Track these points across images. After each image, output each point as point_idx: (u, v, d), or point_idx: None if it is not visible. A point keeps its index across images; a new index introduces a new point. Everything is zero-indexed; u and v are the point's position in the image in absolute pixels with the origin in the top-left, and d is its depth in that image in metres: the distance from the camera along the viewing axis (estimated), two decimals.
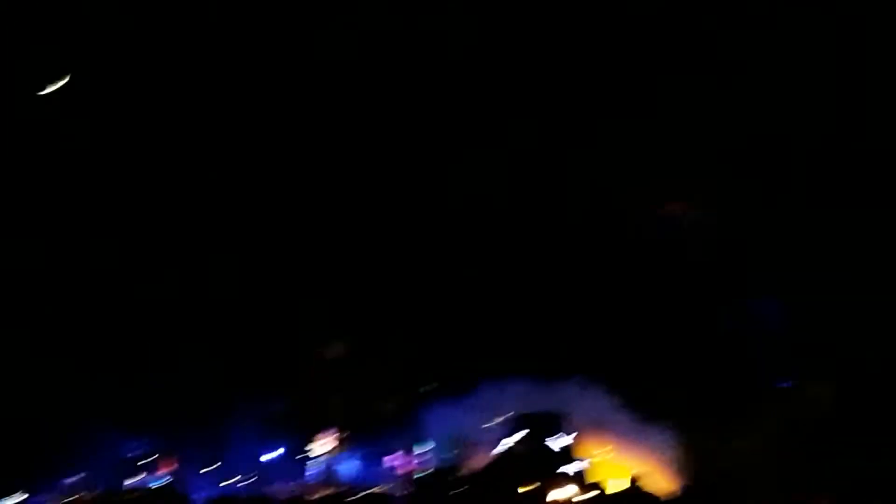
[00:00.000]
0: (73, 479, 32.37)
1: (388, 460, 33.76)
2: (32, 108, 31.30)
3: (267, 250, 33.31)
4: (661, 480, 32.59)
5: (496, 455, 32.76)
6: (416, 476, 32.88)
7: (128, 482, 32.67)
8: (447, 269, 33.62)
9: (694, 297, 32.45)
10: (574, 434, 33.36)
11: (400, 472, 33.58)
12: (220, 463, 33.54)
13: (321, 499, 31.70)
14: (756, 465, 30.44)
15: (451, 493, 31.36)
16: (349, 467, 33.99)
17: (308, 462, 33.71)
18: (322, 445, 33.85)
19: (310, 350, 33.88)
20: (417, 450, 33.38)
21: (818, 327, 31.14)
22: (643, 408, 34.68)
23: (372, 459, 34.23)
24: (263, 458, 33.86)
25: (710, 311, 32.36)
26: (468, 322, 33.89)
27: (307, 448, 33.88)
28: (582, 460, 32.69)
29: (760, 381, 32.23)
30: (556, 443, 33.13)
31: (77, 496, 31.94)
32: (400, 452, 33.92)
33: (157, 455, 33.16)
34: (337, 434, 33.92)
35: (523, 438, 32.99)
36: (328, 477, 33.24)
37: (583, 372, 34.08)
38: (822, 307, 30.84)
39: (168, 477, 32.77)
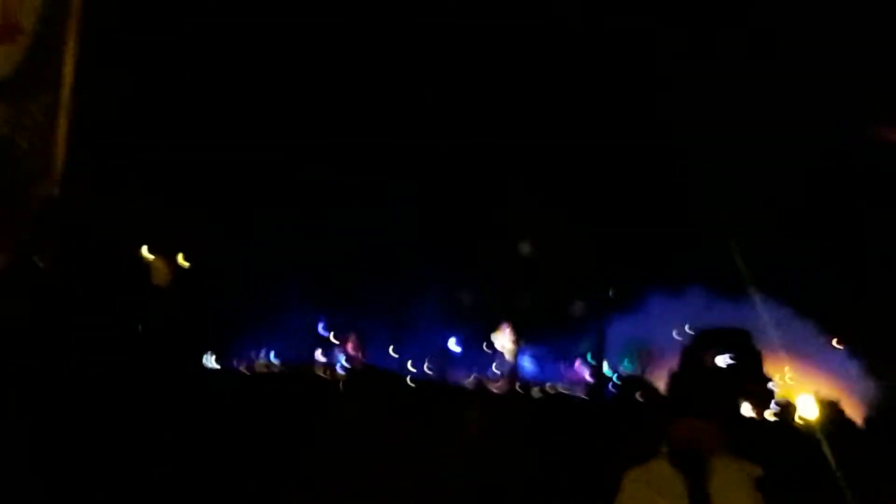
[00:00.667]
0: (262, 349, 33.01)
1: (569, 364, 33.53)
2: None
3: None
4: (847, 411, 31.49)
5: (685, 369, 32.05)
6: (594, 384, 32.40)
7: (319, 358, 33.09)
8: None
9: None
10: (762, 353, 32.49)
11: (580, 377, 33.32)
12: (403, 346, 33.79)
13: (503, 392, 31.46)
14: None
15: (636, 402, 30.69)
16: (531, 364, 33.87)
17: (491, 354, 33.67)
18: (504, 338, 33.64)
19: (504, 238, 33.46)
20: (596, 358, 32.92)
21: None
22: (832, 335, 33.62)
23: (554, 359, 34.05)
24: (448, 346, 34.05)
25: None
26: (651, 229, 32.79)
27: (490, 339, 33.73)
28: (771, 380, 31.95)
29: None
30: (743, 360, 32.26)
31: (266, 366, 32.54)
32: (579, 357, 33.64)
33: (345, 334, 33.54)
34: (520, 329, 33.58)
35: (710, 353, 32.17)
36: (510, 371, 33.08)
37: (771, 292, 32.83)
38: None
39: (358, 356, 33.08)
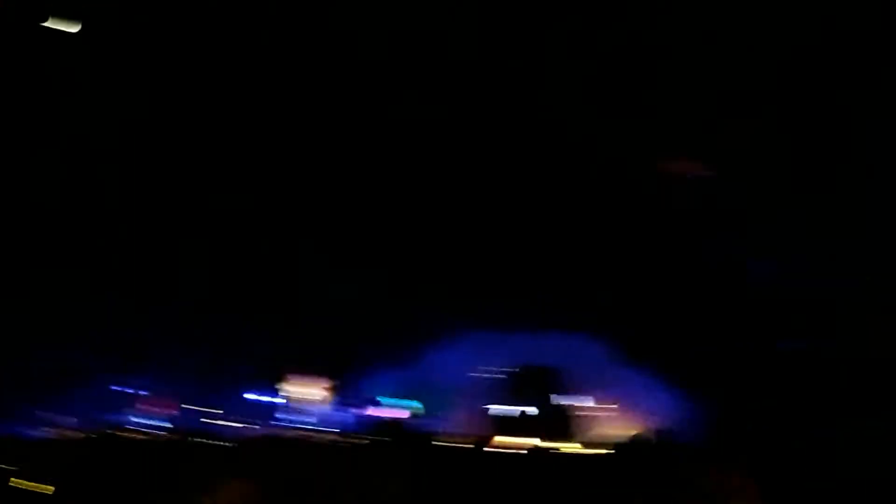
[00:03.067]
0: (63, 413, 31.72)
1: (368, 410, 33.36)
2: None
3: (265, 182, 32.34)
4: (665, 436, 32.19)
5: (497, 410, 32.39)
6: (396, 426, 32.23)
7: (124, 420, 32.00)
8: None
9: (696, 253, 31.86)
10: (576, 389, 33.06)
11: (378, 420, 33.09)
12: (218, 408, 33.05)
13: (297, 442, 31.15)
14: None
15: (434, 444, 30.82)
16: (331, 414, 33.58)
17: (293, 406, 33.32)
18: (308, 390, 33.38)
19: (307, 290, 33.19)
20: (401, 403, 32.88)
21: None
22: (647, 364, 34.42)
23: (354, 406, 33.83)
24: (255, 401, 33.47)
25: (714, 266, 31.77)
26: (465, 271, 33.11)
27: (292, 392, 33.40)
28: (583, 415, 32.42)
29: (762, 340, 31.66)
30: (558, 397, 32.76)
31: (66, 431, 31.26)
32: (382, 402, 33.51)
33: (153, 395, 32.62)
34: (325, 381, 33.38)
35: (525, 392, 32.60)
36: (309, 422, 32.80)
37: (584, 326, 33.55)
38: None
39: (165, 419, 32.18)
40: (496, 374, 33.89)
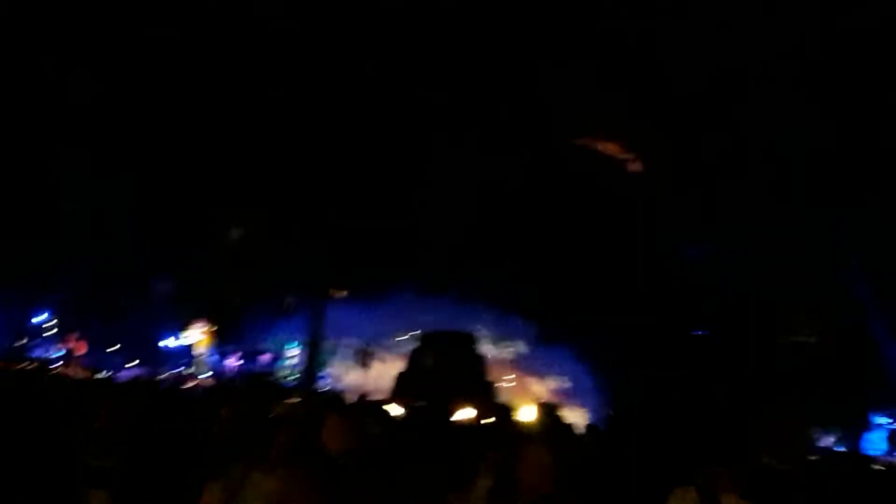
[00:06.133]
0: None
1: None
2: None
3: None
4: (567, 412, 32.04)
5: (402, 370, 31.94)
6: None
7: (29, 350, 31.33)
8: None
9: (617, 232, 31.62)
10: (483, 357, 32.73)
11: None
12: (119, 345, 32.55)
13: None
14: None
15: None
16: (216, 361, 33.19)
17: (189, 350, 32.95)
18: (196, 335, 32.92)
19: (215, 231, 32.63)
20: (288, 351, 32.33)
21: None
22: (556, 340, 34.22)
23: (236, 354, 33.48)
24: (161, 343, 33.00)
25: (635, 246, 31.56)
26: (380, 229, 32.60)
27: (184, 335, 32.96)
28: (490, 384, 32.14)
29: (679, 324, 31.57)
30: (463, 363, 32.36)
31: None
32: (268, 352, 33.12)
33: (59, 328, 32.05)
34: (209, 325, 32.83)
35: (429, 355, 32.06)
36: (196, 367, 32.39)
37: (497, 297, 33.32)
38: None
39: (70, 351, 31.62)
40: (396, 337, 33.76)
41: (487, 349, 33.26)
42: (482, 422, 30.90)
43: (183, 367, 32.48)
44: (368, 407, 14.31)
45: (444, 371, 32.02)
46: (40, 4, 29.53)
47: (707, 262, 30.56)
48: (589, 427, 18.27)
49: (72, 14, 29.48)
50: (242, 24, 30.05)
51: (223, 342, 33.35)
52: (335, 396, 15.38)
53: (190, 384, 28.86)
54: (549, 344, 34.24)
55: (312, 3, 30.10)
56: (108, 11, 29.53)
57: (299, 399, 14.40)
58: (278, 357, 33.15)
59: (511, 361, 34.28)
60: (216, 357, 33.27)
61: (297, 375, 31.70)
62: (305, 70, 30.75)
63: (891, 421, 29.45)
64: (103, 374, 25.99)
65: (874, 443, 28.75)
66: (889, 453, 28.45)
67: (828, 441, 28.21)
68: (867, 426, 29.38)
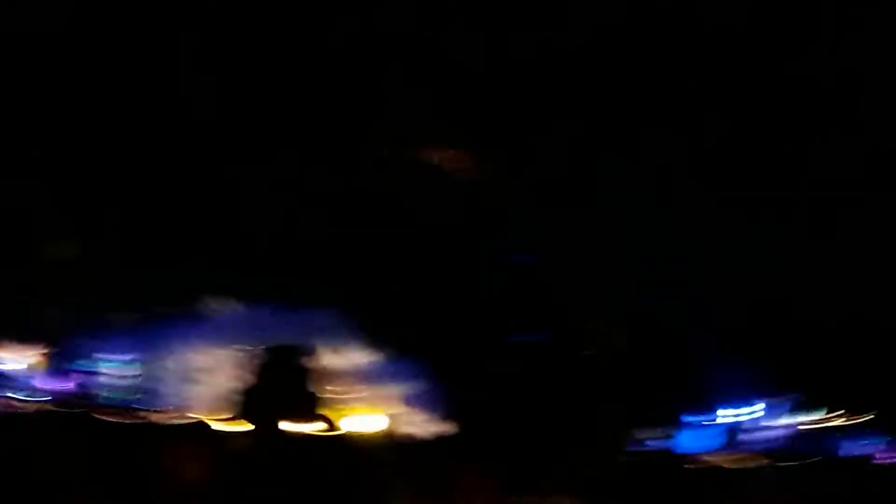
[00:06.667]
0: None
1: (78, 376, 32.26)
2: None
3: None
4: (412, 424, 32.66)
5: (243, 385, 31.90)
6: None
7: None
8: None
9: (450, 244, 32.54)
10: (321, 369, 33.00)
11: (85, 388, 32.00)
12: None
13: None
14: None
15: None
16: (46, 382, 32.28)
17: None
18: (23, 357, 32.04)
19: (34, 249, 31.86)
20: (121, 369, 31.93)
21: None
22: (397, 350, 34.82)
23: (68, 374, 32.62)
24: None
25: (466, 258, 32.53)
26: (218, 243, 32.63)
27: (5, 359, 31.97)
28: (323, 397, 32.45)
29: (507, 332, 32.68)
30: (301, 377, 32.60)
31: None
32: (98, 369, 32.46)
33: None
34: (42, 347, 32.10)
35: (265, 368, 32.16)
36: (31, 391, 31.56)
37: (333, 307, 33.65)
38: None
39: None
40: (239, 350, 33.59)
41: (327, 360, 33.52)
42: (311, 432, 31.38)
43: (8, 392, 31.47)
44: (208, 430, 14.66)
45: (273, 385, 32.30)
46: None
47: (529, 271, 32.02)
48: None
49: None
50: None
51: (50, 364, 32.44)
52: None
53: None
54: (392, 354, 34.74)
55: None
56: None
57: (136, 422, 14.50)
58: (110, 375, 32.53)
59: (353, 372, 34.66)
60: (41, 379, 32.34)
61: (132, 395, 31.21)
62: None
63: (701, 419, 31.47)
64: None
65: (687, 441, 30.73)
66: (701, 450, 30.48)
67: (642, 441, 29.97)
68: (680, 425, 31.31)
